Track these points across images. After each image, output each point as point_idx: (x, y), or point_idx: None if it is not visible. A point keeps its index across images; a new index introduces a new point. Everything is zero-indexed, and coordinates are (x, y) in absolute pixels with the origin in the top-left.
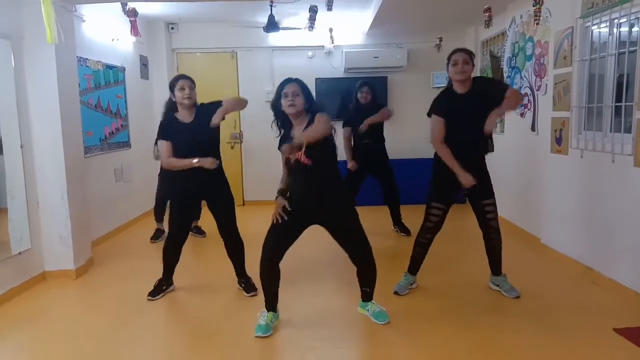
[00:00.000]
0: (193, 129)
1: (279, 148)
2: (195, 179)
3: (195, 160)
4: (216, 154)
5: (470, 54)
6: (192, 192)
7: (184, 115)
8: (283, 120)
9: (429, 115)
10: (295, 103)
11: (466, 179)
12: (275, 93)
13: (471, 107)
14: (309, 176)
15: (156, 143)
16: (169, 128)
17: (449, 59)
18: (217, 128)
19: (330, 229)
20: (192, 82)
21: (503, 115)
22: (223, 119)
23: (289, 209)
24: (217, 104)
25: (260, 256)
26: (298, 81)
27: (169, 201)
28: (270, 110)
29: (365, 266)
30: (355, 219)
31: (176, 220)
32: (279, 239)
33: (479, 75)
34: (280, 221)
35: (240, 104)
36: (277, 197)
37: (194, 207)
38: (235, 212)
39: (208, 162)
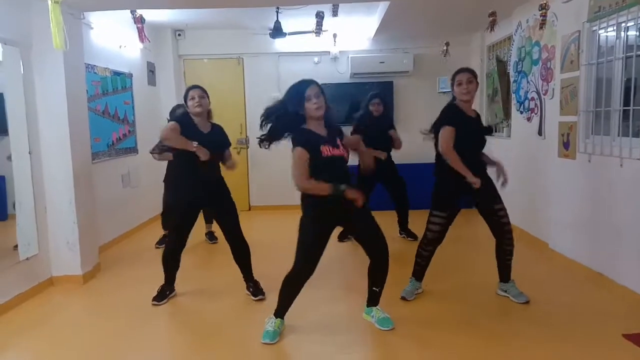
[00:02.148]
0: (207, 139)
1: (305, 146)
2: (198, 189)
3: (195, 144)
4: (217, 164)
5: (473, 74)
6: (195, 203)
7: (201, 124)
8: (292, 123)
9: (436, 128)
10: (322, 105)
11: (475, 181)
12: (289, 95)
13: (477, 131)
14: (342, 170)
15: (154, 150)
16: (186, 124)
17: (453, 78)
18: (226, 141)
19: (353, 223)
20: (203, 91)
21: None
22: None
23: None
24: (226, 139)
25: (297, 268)
26: (316, 82)
27: (172, 208)
28: (279, 111)
29: (382, 260)
30: (371, 214)
31: (176, 229)
32: (320, 248)
33: (486, 85)
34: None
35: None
36: (338, 188)
37: (194, 217)
38: (238, 217)
39: (202, 152)
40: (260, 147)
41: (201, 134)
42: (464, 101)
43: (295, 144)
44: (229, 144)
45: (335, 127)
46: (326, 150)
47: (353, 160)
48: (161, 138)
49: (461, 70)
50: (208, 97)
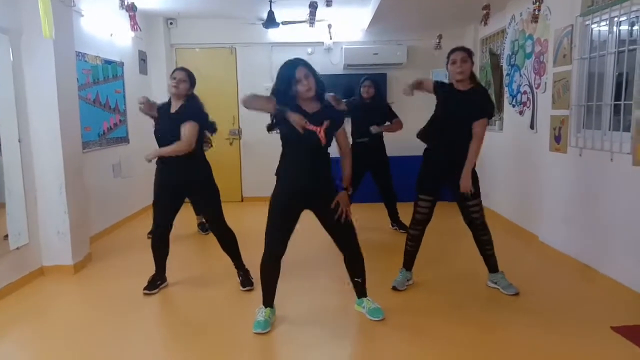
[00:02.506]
0: (171, 120)
1: (278, 107)
2: (175, 175)
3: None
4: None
5: (469, 52)
6: (174, 188)
7: (174, 104)
8: (287, 106)
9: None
10: (311, 86)
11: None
12: (279, 79)
13: (465, 106)
14: (316, 156)
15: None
16: (160, 108)
17: (448, 57)
18: (207, 122)
19: (321, 213)
20: (188, 74)
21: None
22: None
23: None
24: (190, 116)
25: (263, 253)
26: (305, 63)
27: (153, 193)
28: (272, 92)
29: (352, 252)
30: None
31: (160, 212)
32: (280, 230)
33: (479, 77)
34: (308, 127)
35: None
36: (284, 111)
37: (178, 201)
38: (221, 204)
39: (151, 155)
40: (269, 132)
41: (168, 114)
42: (457, 81)
43: None
44: (189, 119)
45: (329, 110)
46: (307, 124)
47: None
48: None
49: (456, 49)
50: (192, 82)
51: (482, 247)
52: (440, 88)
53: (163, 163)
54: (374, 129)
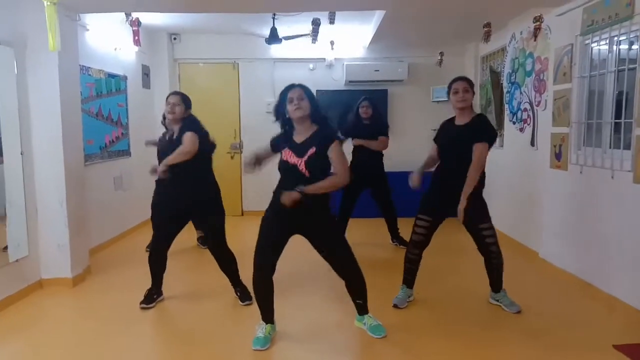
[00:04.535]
0: (172, 144)
1: (272, 142)
2: (178, 198)
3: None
4: (194, 171)
5: (469, 83)
6: (177, 210)
7: (174, 130)
8: (285, 126)
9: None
10: (302, 107)
11: (415, 181)
12: (278, 99)
13: (462, 140)
14: (294, 177)
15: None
16: (161, 139)
17: (449, 87)
18: (207, 139)
19: (314, 241)
20: (181, 98)
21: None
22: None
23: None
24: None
25: (253, 272)
26: (302, 86)
27: (152, 207)
28: (274, 117)
29: (352, 279)
30: (338, 234)
31: (159, 229)
32: (268, 248)
33: (479, 95)
34: (290, 161)
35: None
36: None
37: (182, 223)
38: (224, 226)
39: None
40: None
41: (168, 139)
42: (459, 109)
43: None
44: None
45: (318, 134)
46: (285, 154)
47: None
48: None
49: (458, 79)
50: (187, 104)
51: (492, 270)
52: (442, 127)
53: (170, 185)
54: (354, 142)
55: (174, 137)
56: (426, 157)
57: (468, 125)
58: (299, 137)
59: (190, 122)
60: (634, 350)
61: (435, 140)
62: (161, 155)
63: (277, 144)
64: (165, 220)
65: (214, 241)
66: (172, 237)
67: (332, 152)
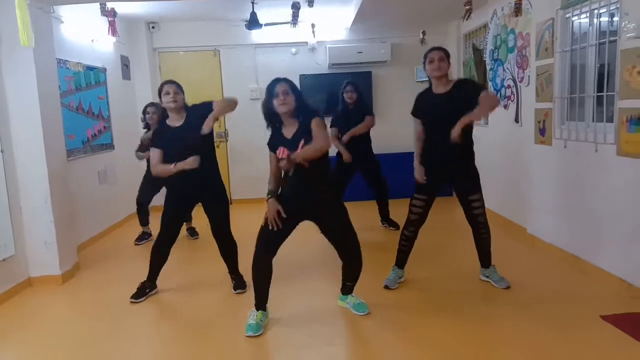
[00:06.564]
0: (183, 132)
1: (269, 145)
2: (191, 182)
3: (172, 167)
4: (209, 155)
5: (445, 52)
6: (189, 196)
7: (174, 119)
8: (273, 120)
9: (412, 114)
10: (287, 101)
11: (418, 175)
12: (265, 94)
13: (448, 107)
14: (302, 176)
15: (138, 149)
16: (160, 134)
17: (425, 57)
18: (197, 131)
19: (322, 225)
20: (178, 86)
21: (478, 120)
22: (217, 119)
23: (284, 215)
24: (208, 106)
25: (254, 254)
26: (287, 80)
27: (164, 201)
28: (261, 109)
29: (353, 262)
30: (344, 216)
31: (167, 222)
32: (273, 236)
33: (462, 73)
34: (276, 228)
35: (231, 106)
36: (268, 199)
37: (187, 210)
38: (228, 214)
39: (188, 164)
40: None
41: (172, 131)
42: (435, 77)
43: None
44: (210, 106)
45: (304, 123)
46: (280, 153)
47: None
48: (154, 175)
49: (433, 49)
50: (183, 92)
51: (481, 243)
52: (420, 99)
53: (185, 174)
54: (344, 139)
55: (179, 125)
56: (415, 139)
57: (454, 93)
58: (288, 132)
59: (196, 107)
60: (620, 320)
61: (415, 113)
62: (170, 146)
63: (274, 145)
64: (179, 207)
65: (221, 226)
66: (180, 226)
67: (313, 125)
